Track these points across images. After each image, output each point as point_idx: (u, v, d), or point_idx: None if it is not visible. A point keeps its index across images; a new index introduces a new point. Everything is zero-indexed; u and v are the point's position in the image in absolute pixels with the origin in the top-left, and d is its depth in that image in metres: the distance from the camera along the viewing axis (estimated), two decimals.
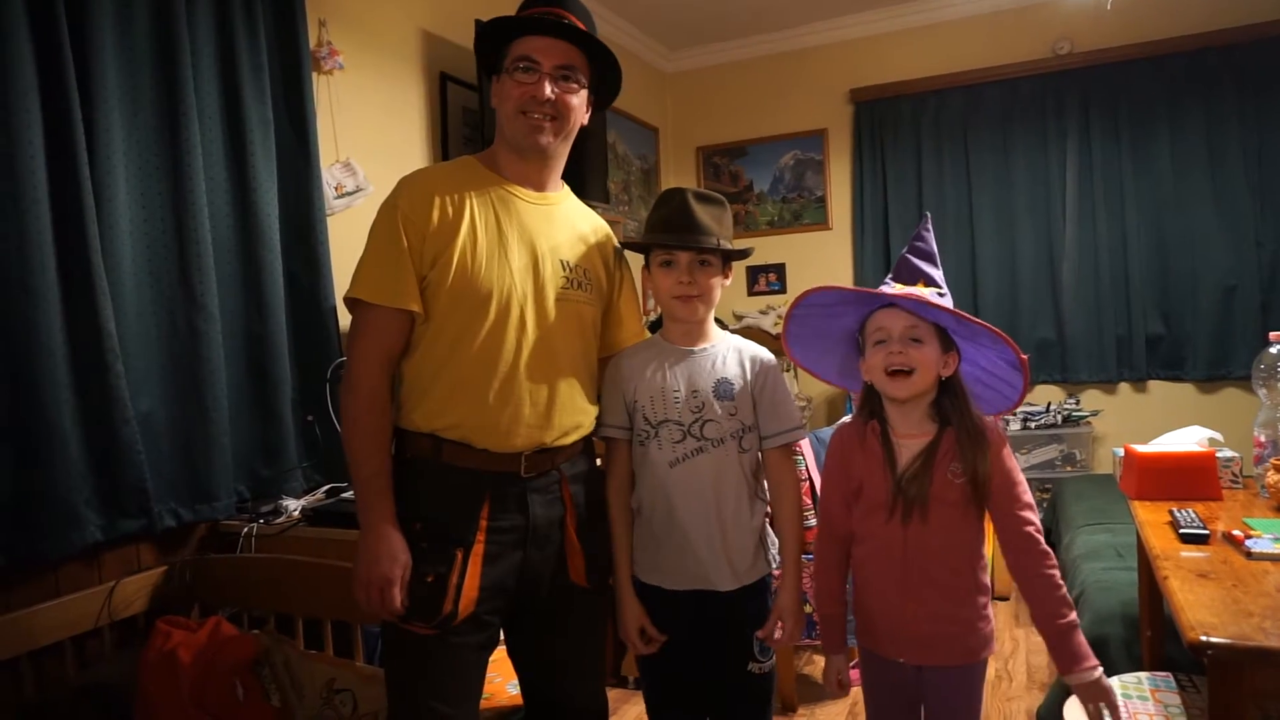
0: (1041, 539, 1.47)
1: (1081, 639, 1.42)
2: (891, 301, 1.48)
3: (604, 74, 1.57)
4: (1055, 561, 1.47)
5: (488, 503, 1.43)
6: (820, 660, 3.06)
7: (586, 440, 1.59)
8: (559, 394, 1.49)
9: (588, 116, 1.58)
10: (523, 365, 1.44)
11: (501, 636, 1.55)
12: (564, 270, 1.52)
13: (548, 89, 1.46)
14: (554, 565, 1.51)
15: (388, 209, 1.44)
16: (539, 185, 1.55)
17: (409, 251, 1.41)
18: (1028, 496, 1.48)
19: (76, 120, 1.88)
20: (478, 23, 1.50)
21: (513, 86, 1.48)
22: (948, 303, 1.51)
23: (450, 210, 1.44)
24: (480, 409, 1.42)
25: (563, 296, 1.51)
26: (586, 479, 1.57)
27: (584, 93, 1.53)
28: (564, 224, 1.57)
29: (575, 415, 1.52)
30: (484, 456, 1.42)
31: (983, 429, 1.46)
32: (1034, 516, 1.48)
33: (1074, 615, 1.43)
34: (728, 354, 1.61)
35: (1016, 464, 1.50)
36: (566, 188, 1.63)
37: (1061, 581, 1.45)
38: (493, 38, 1.51)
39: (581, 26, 1.49)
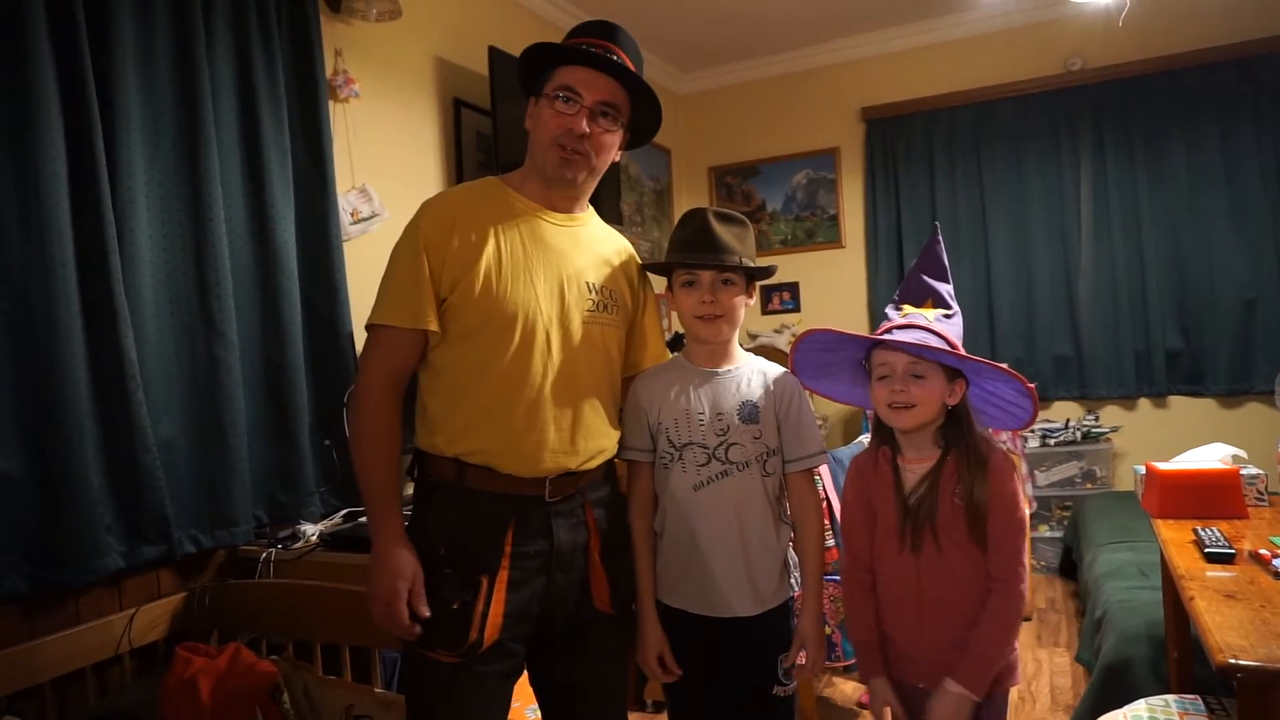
0: (1013, 598, 1.43)
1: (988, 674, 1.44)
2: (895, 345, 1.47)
3: (643, 114, 1.55)
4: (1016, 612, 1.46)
5: (512, 528, 1.42)
6: (840, 682, 3.03)
7: (609, 464, 1.58)
8: (584, 418, 1.48)
9: (619, 154, 1.57)
10: (548, 389, 1.44)
11: None
12: (589, 293, 1.51)
13: (585, 124, 1.44)
14: (578, 590, 1.49)
15: (410, 232, 1.44)
16: (564, 210, 1.55)
17: (430, 274, 1.41)
18: (1019, 543, 1.45)
19: (99, 151, 1.91)
20: (499, 53, 1.50)
21: (551, 115, 1.46)
22: (956, 323, 1.50)
23: (473, 234, 1.43)
24: (505, 433, 1.41)
25: (588, 319, 1.50)
26: (609, 503, 1.56)
27: (620, 132, 1.51)
28: (588, 246, 1.56)
29: (599, 439, 1.52)
30: (508, 481, 1.42)
31: (984, 456, 1.45)
32: (1016, 574, 1.43)
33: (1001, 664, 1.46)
34: (752, 376, 1.60)
35: (1022, 501, 1.48)
36: (591, 209, 1.63)
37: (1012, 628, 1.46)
38: (539, 61, 1.49)
39: (630, 65, 1.47)
